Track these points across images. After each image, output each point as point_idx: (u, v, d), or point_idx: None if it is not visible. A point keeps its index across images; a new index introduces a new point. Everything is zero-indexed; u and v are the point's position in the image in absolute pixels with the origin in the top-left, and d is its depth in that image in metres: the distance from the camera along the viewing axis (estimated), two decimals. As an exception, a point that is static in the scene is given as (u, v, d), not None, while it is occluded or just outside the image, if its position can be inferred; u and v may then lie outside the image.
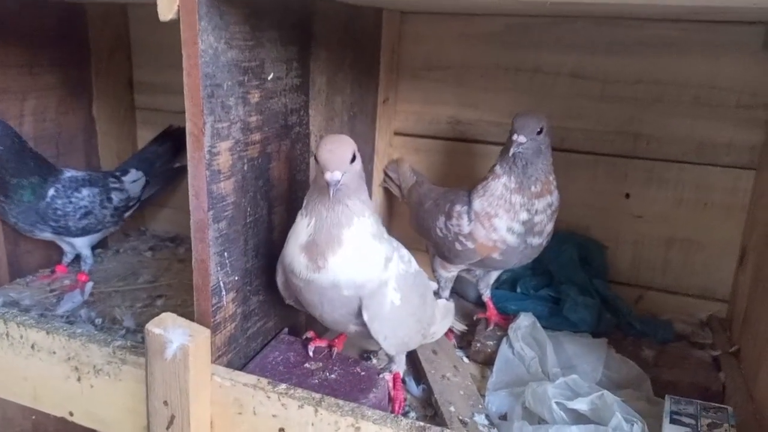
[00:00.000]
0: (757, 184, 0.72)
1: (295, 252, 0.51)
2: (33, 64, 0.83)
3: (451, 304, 0.67)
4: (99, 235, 0.84)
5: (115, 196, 0.83)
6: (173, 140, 0.96)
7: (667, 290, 0.79)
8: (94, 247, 0.86)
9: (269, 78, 0.53)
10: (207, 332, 0.50)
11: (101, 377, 0.55)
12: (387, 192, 0.87)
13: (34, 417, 0.96)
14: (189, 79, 0.44)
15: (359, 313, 0.51)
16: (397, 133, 0.87)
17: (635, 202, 0.78)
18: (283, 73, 0.55)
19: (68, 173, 0.78)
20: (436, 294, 0.68)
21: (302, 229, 0.51)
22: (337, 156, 0.47)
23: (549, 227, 0.65)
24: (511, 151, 0.61)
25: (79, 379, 0.56)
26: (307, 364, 0.59)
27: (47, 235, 0.78)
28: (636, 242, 0.79)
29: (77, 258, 0.85)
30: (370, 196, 0.69)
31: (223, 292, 0.52)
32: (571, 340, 0.67)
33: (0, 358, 0.60)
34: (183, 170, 0.94)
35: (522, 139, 0.60)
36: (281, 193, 0.59)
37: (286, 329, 0.65)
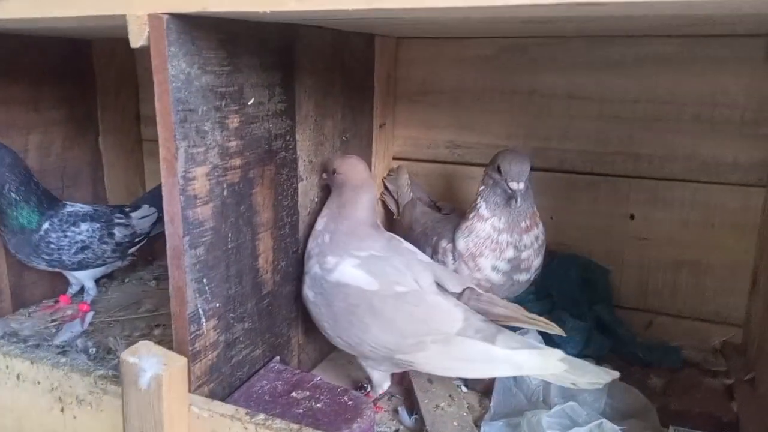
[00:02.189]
0: (768, 202, 0.69)
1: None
2: (38, 101, 0.85)
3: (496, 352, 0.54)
4: (103, 269, 0.83)
5: (119, 232, 0.82)
6: None
7: (678, 315, 0.75)
8: (100, 278, 0.86)
9: (249, 103, 0.53)
10: (183, 361, 0.48)
11: (83, 407, 0.55)
12: (385, 207, 0.85)
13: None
14: (160, 105, 0.44)
15: None
16: (395, 158, 0.86)
17: (640, 224, 0.75)
18: (265, 98, 0.55)
19: (69, 207, 0.78)
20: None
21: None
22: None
23: (537, 262, 0.64)
24: (507, 196, 0.61)
25: (62, 410, 0.56)
26: (294, 393, 0.57)
27: (43, 267, 0.78)
28: (642, 265, 0.76)
29: (83, 289, 0.85)
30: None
31: (203, 320, 0.51)
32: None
33: (-10, 390, 0.60)
34: None
35: (522, 186, 0.60)
36: (266, 219, 0.58)
37: (277, 358, 0.63)
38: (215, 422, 0.48)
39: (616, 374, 0.51)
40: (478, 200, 0.64)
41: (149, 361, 0.47)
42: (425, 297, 0.55)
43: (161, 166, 0.46)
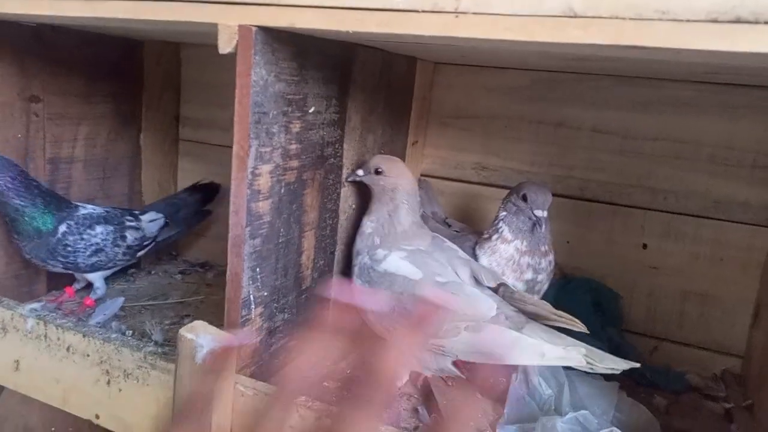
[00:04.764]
0: (773, 242, 0.73)
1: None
2: (90, 94, 0.90)
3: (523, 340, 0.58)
4: (110, 271, 0.85)
5: (130, 235, 0.84)
6: (203, 192, 1.01)
7: (683, 343, 0.79)
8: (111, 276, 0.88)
9: (310, 111, 0.58)
10: (238, 340, 0.53)
11: (130, 381, 0.59)
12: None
13: (53, 429, 0.99)
14: (239, 107, 0.49)
15: None
16: (423, 175, 0.91)
17: (652, 254, 0.80)
18: (322, 108, 0.60)
19: (82, 209, 0.80)
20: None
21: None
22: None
23: (546, 285, 0.69)
24: (531, 223, 0.66)
25: (108, 383, 0.60)
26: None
27: (59, 270, 0.80)
28: (651, 293, 0.80)
29: (88, 285, 0.86)
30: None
31: (252, 306, 0.55)
32: (583, 381, 0.68)
33: (35, 360, 0.63)
34: (205, 214, 1.01)
35: (545, 214, 0.66)
36: (312, 219, 0.63)
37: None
38: (259, 401, 0.52)
39: (635, 364, 0.56)
40: (500, 224, 0.68)
41: (205, 338, 0.52)
42: (463, 287, 0.61)
43: (233, 162, 0.51)
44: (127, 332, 0.76)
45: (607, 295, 0.80)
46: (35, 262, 0.79)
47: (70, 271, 0.82)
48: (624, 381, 0.71)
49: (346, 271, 0.71)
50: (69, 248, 0.77)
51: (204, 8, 0.48)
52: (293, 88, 0.54)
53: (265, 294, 0.57)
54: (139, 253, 0.88)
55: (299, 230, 0.61)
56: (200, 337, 0.51)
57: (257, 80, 0.49)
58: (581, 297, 0.79)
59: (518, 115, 0.84)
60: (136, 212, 0.89)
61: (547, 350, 0.56)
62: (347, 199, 0.70)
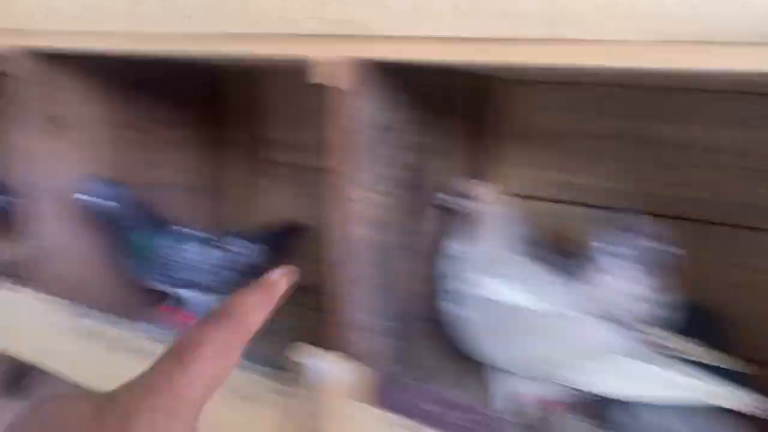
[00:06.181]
0: None
1: None
2: (176, 121, 0.94)
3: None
4: (206, 293, 0.87)
5: (223, 258, 0.86)
6: (293, 235, 0.97)
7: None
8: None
9: (408, 137, 0.58)
10: (355, 368, 0.53)
11: (247, 403, 0.60)
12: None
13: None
14: (338, 134, 0.50)
15: None
16: (506, 195, 0.90)
17: (757, 276, 0.76)
18: (419, 134, 0.61)
19: (180, 230, 0.84)
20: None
21: None
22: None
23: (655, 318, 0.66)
24: (639, 254, 0.64)
25: (225, 405, 0.61)
26: (429, 407, 0.61)
27: (159, 287, 0.84)
28: (759, 316, 0.76)
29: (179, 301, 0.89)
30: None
31: (365, 331, 0.56)
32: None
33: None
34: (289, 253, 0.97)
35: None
36: (412, 242, 0.64)
37: (408, 373, 0.67)
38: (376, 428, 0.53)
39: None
40: (605, 253, 0.65)
41: (326, 365, 0.53)
42: (574, 315, 0.59)
43: (332, 188, 0.52)
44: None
45: (712, 319, 0.76)
46: (138, 280, 0.83)
47: (169, 290, 0.85)
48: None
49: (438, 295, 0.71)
50: (169, 266, 0.81)
51: (301, 42, 0.49)
52: (389, 115, 0.55)
53: (376, 319, 0.58)
54: (229, 276, 0.88)
55: (403, 254, 0.62)
56: (316, 362, 0.52)
57: (356, 108, 0.50)
58: (692, 324, 0.75)
59: (602, 132, 0.82)
60: (228, 237, 0.89)
61: (704, 387, 0.53)
62: (436, 221, 0.70)
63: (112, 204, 0.78)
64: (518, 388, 0.63)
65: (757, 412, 0.51)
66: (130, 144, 0.86)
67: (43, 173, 0.76)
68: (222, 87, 1.02)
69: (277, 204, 1.06)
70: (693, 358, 0.56)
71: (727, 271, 0.77)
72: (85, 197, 0.77)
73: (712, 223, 0.77)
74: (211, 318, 0.30)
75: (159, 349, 0.28)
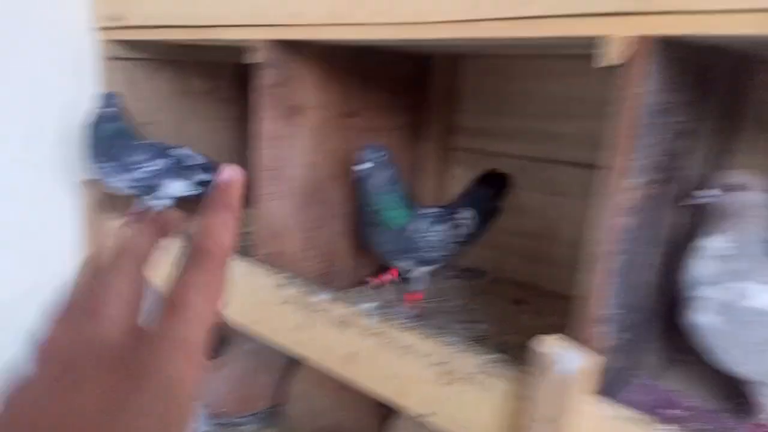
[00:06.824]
0: None
1: None
2: (387, 107, 0.97)
3: None
4: (439, 266, 0.90)
5: (457, 231, 0.89)
6: (496, 186, 0.99)
7: None
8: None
9: (677, 121, 0.55)
10: (594, 359, 0.52)
11: (470, 385, 0.61)
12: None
13: (343, 414, 1.08)
14: (624, 121, 0.48)
15: None
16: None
17: None
18: (685, 117, 0.57)
19: (422, 209, 0.86)
20: None
21: None
22: None
23: None
24: None
25: (448, 383, 0.63)
26: (670, 411, 0.57)
27: (402, 264, 0.87)
28: None
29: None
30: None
31: (608, 323, 0.54)
32: None
33: (373, 354, 0.69)
34: (498, 210, 1.00)
35: None
36: (663, 236, 0.60)
37: (642, 372, 0.64)
38: (617, 425, 0.51)
39: None
40: None
41: (566, 355, 0.51)
42: None
43: (604, 176, 0.50)
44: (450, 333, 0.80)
45: None
46: (383, 255, 0.86)
47: (409, 266, 0.87)
48: None
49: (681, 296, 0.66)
50: (416, 244, 0.83)
51: (594, 21, 0.48)
52: (665, 97, 0.52)
53: (618, 311, 0.55)
54: (461, 248, 0.91)
55: (653, 247, 0.58)
56: (560, 352, 0.51)
57: (644, 92, 0.47)
58: None
59: None
60: (458, 210, 0.92)
61: None
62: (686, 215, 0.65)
63: (387, 172, 0.81)
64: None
65: None
66: (355, 131, 0.91)
67: (281, 157, 0.82)
68: (429, 76, 1.03)
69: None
70: None
71: None
72: (365, 166, 0.80)
73: None
74: (189, 265, 0.32)
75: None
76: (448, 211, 0.90)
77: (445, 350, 0.62)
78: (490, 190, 1.00)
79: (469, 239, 0.94)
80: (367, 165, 0.79)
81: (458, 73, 1.08)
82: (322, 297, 0.73)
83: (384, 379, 0.68)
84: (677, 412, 0.57)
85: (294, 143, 0.83)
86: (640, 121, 0.49)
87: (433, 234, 0.85)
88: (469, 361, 0.60)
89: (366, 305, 0.71)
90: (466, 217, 0.93)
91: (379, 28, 0.64)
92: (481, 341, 0.77)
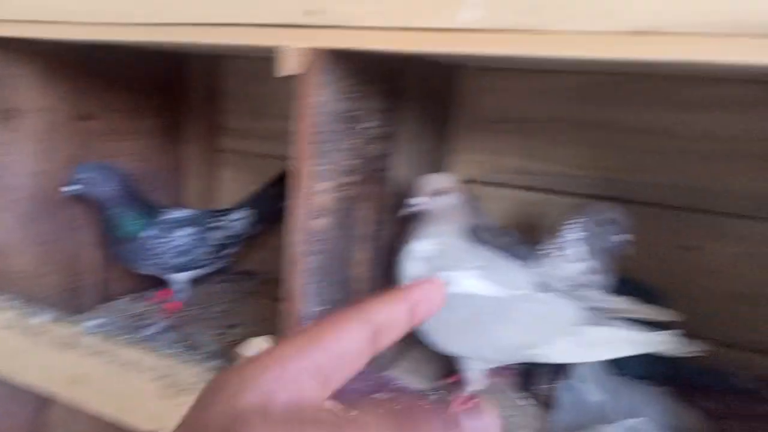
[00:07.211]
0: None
1: None
2: (136, 109, 0.92)
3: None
4: (199, 271, 0.88)
5: (213, 235, 0.87)
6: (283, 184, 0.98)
7: (732, 345, 0.79)
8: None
9: (365, 127, 0.59)
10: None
11: (193, 395, 0.60)
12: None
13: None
14: (301, 126, 0.50)
15: None
16: (465, 182, 0.91)
17: (701, 256, 0.79)
18: (378, 123, 0.61)
19: (168, 214, 0.84)
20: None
21: None
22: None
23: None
24: (613, 245, 0.68)
25: (169, 397, 0.61)
26: (378, 395, 0.62)
27: (150, 272, 0.84)
28: (701, 295, 0.80)
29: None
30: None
31: (310, 320, 0.56)
32: (633, 387, 0.68)
33: (95, 374, 0.65)
34: (282, 211, 0.99)
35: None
36: (368, 233, 0.64)
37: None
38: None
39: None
40: (572, 242, 0.68)
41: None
42: (541, 296, 0.62)
43: (292, 180, 0.52)
44: (178, 344, 0.78)
45: (656, 298, 0.79)
46: (127, 265, 0.83)
47: (158, 273, 0.85)
48: (672, 386, 0.71)
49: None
50: (156, 250, 0.81)
51: (268, 32, 0.49)
52: (349, 105, 0.55)
53: (325, 308, 0.58)
54: (225, 252, 0.90)
55: (356, 245, 0.62)
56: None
57: (319, 100, 0.50)
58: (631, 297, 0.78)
59: (562, 118, 0.84)
60: (223, 212, 0.91)
61: (641, 340, 0.61)
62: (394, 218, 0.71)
63: (107, 188, 0.78)
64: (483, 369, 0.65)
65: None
66: (92, 134, 0.84)
67: (-4, 166, 0.74)
68: (185, 76, 1.00)
69: (236, 193, 1.05)
70: (631, 315, 0.64)
71: (679, 253, 0.80)
72: (73, 188, 0.76)
73: (668, 207, 0.80)
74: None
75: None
76: (206, 214, 0.89)
77: (167, 363, 0.61)
78: (276, 191, 0.99)
79: (243, 241, 0.93)
80: (75, 187, 0.76)
81: (220, 74, 1.06)
82: (43, 318, 0.67)
83: (109, 397, 0.65)
84: (382, 394, 0.61)
85: (13, 150, 0.76)
86: (322, 128, 0.51)
87: (176, 239, 0.82)
88: (191, 371, 0.60)
89: (90, 323, 0.67)
90: (234, 218, 0.92)
91: (105, 28, 0.59)
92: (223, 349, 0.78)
